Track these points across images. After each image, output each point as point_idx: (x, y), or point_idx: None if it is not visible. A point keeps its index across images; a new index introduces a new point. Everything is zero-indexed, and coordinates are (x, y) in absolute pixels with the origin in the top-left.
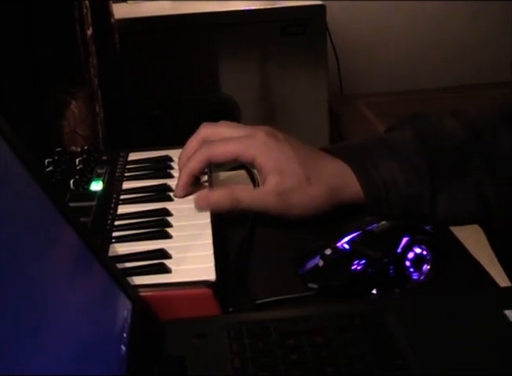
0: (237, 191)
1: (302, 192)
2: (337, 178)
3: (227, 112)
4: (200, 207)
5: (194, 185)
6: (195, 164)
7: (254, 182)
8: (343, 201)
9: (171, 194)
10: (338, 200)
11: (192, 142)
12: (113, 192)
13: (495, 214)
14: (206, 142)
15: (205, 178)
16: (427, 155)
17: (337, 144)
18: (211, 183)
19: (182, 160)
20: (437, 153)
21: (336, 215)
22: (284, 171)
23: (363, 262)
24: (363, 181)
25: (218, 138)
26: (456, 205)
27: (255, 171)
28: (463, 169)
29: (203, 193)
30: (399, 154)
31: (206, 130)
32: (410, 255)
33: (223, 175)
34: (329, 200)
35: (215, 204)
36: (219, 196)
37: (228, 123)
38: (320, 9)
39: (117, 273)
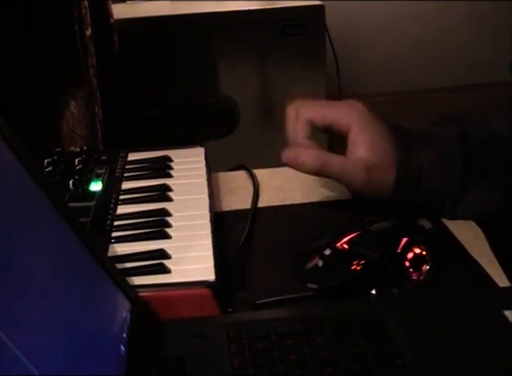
0: (328, 157)
1: (384, 173)
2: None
3: (226, 112)
4: (289, 163)
5: None
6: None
7: (254, 182)
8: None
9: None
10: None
11: (291, 111)
12: (112, 192)
13: None
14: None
15: (204, 179)
16: (466, 153)
17: (393, 125)
18: (211, 183)
19: (288, 131)
20: (479, 152)
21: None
22: (376, 147)
23: (362, 262)
24: (400, 160)
25: None
26: (479, 205)
27: (254, 171)
28: (508, 167)
29: (294, 150)
30: (440, 147)
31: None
32: (409, 255)
33: (223, 175)
34: (394, 188)
35: (303, 163)
36: (310, 157)
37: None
38: (319, 10)
39: (116, 274)
